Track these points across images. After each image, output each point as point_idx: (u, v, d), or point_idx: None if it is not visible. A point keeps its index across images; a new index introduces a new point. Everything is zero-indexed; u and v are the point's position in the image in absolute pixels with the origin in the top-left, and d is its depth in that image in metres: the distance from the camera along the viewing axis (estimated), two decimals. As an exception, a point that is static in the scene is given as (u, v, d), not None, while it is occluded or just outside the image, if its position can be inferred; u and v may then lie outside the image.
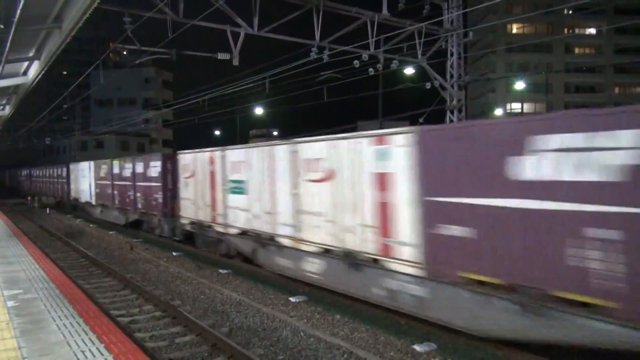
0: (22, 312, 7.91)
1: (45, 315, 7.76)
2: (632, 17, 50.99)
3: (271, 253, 12.96)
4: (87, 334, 6.86)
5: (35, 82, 17.65)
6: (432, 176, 8.43)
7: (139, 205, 22.40)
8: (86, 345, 6.44)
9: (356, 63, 17.10)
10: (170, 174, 19.58)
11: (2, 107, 25.97)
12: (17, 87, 19.63)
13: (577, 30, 67.45)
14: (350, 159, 10.17)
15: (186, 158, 17.85)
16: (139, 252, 17.85)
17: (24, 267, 12.02)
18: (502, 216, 7.27)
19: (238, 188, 14.35)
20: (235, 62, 14.96)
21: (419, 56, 17.93)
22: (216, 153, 15.61)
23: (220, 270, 14.21)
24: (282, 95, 26.41)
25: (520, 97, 64.20)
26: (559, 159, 6.62)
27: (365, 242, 9.89)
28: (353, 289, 10.37)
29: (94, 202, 29.96)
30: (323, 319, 9.69)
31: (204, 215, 16.40)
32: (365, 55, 16.57)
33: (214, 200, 15.80)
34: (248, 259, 14.25)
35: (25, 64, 16.30)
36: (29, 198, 46.12)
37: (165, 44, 14.64)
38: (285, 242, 12.24)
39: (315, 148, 11.20)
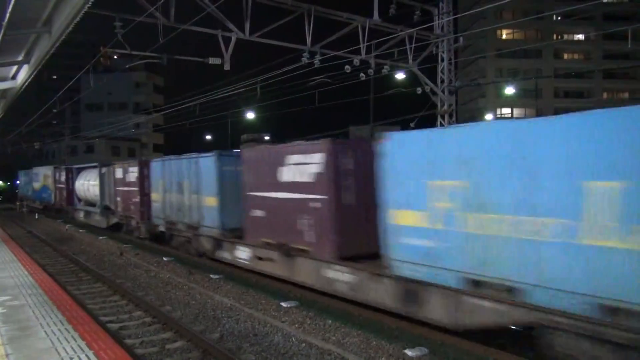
0: (9, 319, 7.82)
1: (33, 322, 7.68)
2: (620, 23, 51.63)
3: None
4: (76, 341, 6.79)
5: (24, 87, 17.51)
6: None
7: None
8: (75, 352, 6.38)
9: (347, 68, 17.15)
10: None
11: (-10, 111, 25.70)
12: (5, 91, 19.45)
13: (566, 36, 68.17)
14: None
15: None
16: (129, 258, 17.72)
17: (12, 274, 11.89)
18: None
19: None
20: (227, 66, 14.93)
21: (410, 61, 18.03)
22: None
23: (212, 276, 14.14)
24: (274, 100, 26.42)
25: (510, 102, 64.70)
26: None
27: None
28: None
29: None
30: (314, 324, 9.66)
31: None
32: (356, 61, 16.62)
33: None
34: None
35: (14, 68, 16.17)
36: (18, 203, 45.85)
37: (156, 48, 14.60)
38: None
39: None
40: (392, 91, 22.07)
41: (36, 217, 36.30)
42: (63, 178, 33.29)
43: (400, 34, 17.00)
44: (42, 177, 40.20)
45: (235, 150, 15.96)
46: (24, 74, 16.19)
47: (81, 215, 30.08)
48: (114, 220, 24.21)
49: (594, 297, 6.19)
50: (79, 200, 30.76)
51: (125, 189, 21.82)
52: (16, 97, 20.53)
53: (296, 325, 9.58)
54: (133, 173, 20.96)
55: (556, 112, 64.42)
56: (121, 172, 22.47)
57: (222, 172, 14.90)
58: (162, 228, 18.90)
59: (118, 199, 23.09)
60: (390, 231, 9.08)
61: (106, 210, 25.31)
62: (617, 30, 30.26)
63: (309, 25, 15.33)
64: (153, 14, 13.06)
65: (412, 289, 8.64)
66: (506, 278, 7.15)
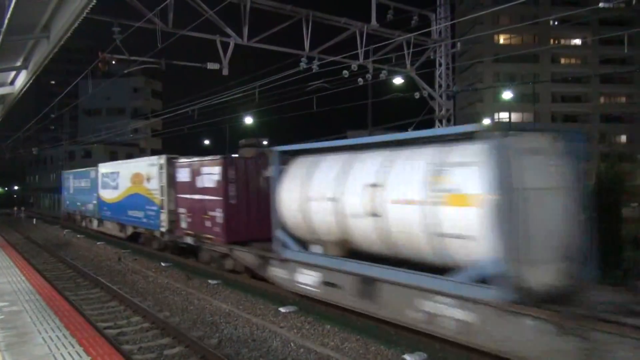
0: (7, 325, 7.79)
1: (31, 328, 7.66)
2: (617, 28, 51.89)
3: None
4: (73, 347, 6.77)
5: (22, 92, 17.52)
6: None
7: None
8: (73, 358, 6.36)
9: (345, 73, 17.17)
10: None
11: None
12: (3, 96, 19.47)
13: (563, 41, 68.43)
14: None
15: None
16: (127, 263, 17.68)
17: (9, 279, 11.86)
18: None
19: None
20: (225, 72, 14.93)
21: (408, 66, 18.06)
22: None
23: (210, 281, 14.11)
24: (272, 105, 26.44)
25: (508, 107, 64.79)
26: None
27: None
28: None
29: None
30: (313, 329, 9.64)
31: None
32: (354, 66, 16.65)
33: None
34: None
35: (13, 73, 16.18)
36: (16, 208, 45.77)
37: (154, 53, 14.60)
38: None
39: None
40: (390, 96, 22.08)
41: (34, 222, 36.22)
42: (213, 180, 15.12)
43: (398, 39, 17.04)
44: (130, 178, 22.25)
45: None
46: (22, 79, 16.20)
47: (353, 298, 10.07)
48: None
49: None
50: (296, 239, 11.87)
51: None
52: (14, 103, 20.54)
53: (295, 331, 9.56)
54: None
55: (553, 116, 64.75)
56: None
57: None
58: None
59: None
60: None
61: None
62: (613, 35, 30.43)
63: (307, 30, 15.37)
64: (151, 19, 13.07)
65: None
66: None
